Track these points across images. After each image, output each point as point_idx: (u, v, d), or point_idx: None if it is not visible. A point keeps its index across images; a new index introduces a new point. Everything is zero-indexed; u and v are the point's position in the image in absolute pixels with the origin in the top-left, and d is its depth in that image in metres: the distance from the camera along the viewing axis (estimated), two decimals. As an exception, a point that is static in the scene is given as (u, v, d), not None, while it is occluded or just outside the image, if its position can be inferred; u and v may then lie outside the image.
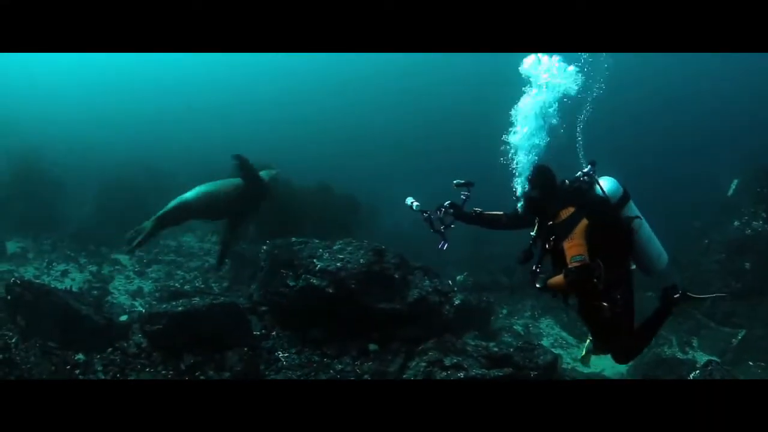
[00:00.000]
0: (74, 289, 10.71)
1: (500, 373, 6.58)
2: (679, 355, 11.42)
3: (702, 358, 11.14)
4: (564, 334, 12.65)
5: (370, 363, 7.04)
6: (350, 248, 7.46)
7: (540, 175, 4.69)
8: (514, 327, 12.12)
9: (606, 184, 4.58)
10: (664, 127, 35.70)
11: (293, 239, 7.96)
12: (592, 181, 4.58)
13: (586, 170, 4.66)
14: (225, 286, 11.71)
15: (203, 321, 6.94)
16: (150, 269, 13.38)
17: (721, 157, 22.17)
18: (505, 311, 13.22)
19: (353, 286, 7.09)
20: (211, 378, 6.55)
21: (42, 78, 40.93)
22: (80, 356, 6.69)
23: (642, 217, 4.60)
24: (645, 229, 4.61)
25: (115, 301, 10.95)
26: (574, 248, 4.24)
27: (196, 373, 6.64)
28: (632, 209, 4.62)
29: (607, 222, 4.46)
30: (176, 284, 12.20)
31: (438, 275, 8.38)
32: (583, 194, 4.56)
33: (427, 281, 7.90)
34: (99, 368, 6.58)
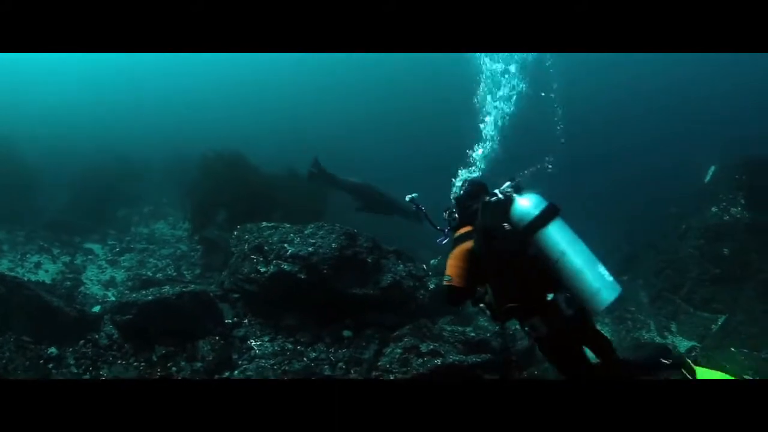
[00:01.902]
0: (47, 281, 10.57)
1: (478, 359, 6.41)
2: (658, 340, 11.39)
3: (681, 342, 11.11)
4: (540, 319, 12.62)
5: (344, 350, 6.87)
6: (322, 232, 7.25)
7: (466, 189, 4.87)
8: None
9: (520, 204, 4.39)
10: (642, 116, 35.88)
11: (264, 224, 7.76)
12: (508, 200, 4.47)
13: (506, 186, 4.62)
14: (197, 273, 11.51)
15: (173, 310, 6.78)
16: (122, 258, 13.18)
17: (697, 145, 22.30)
18: (479, 296, 13.16)
19: (325, 271, 6.89)
20: (183, 368, 6.38)
21: (11, 68, 40.40)
22: (53, 350, 6.56)
23: (566, 249, 4.21)
24: (570, 260, 4.22)
25: (87, 292, 10.72)
26: (449, 268, 4.46)
27: (168, 364, 6.47)
28: (551, 236, 4.28)
29: (495, 248, 4.38)
30: (148, 272, 12.00)
31: (412, 259, 8.21)
32: (480, 215, 4.52)
33: (401, 265, 7.72)
34: (71, 362, 6.46)
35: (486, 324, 8.17)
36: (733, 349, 10.59)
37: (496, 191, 4.62)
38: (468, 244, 4.49)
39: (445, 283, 4.49)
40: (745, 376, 8.98)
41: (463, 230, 4.58)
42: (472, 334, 6.99)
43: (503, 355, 5.84)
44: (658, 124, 35.84)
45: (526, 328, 4.38)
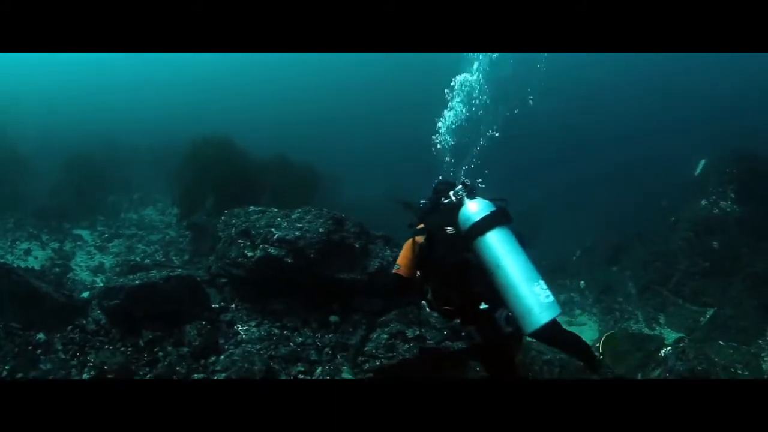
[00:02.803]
0: (36, 268, 10.55)
1: (464, 345, 6.39)
2: (646, 331, 11.41)
3: (669, 334, 11.13)
4: (528, 303, 12.64)
5: (331, 335, 6.85)
6: (309, 217, 7.20)
7: (435, 186, 4.88)
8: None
9: (467, 208, 4.36)
10: (633, 109, 35.94)
11: (251, 208, 7.70)
12: (459, 204, 4.45)
13: (459, 188, 4.59)
14: (185, 259, 11.48)
15: (160, 294, 6.74)
16: (111, 244, 13.15)
17: (688, 138, 22.37)
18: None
19: (312, 255, 6.85)
20: (169, 353, 6.34)
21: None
22: (41, 336, 6.54)
23: (503, 260, 4.13)
24: (505, 273, 4.12)
25: (76, 278, 10.78)
26: (400, 257, 4.55)
27: (155, 349, 6.44)
28: (489, 244, 4.21)
29: (435, 250, 4.43)
30: (137, 258, 11.99)
31: (399, 245, 8.16)
32: (430, 214, 4.64)
33: (389, 251, 7.66)
34: (59, 347, 6.44)
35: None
36: (721, 343, 10.61)
37: (451, 193, 4.62)
38: (420, 239, 4.51)
39: (393, 270, 4.56)
40: (735, 370, 9.03)
41: (421, 225, 4.60)
42: (458, 320, 6.95)
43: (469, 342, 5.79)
44: (648, 116, 35.94)
45: (463, 333, 4.46)
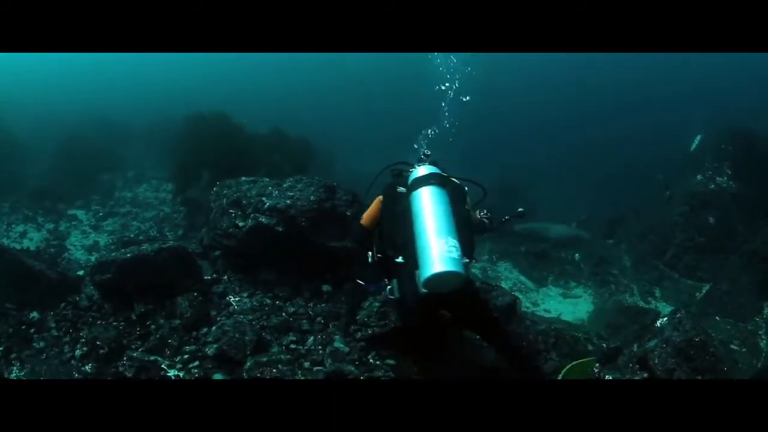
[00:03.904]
0: (32, 249, 10.61)
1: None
2: (642, 304, 11.42)
3: (665, 308, 11.15)
4: (522, 278, 12.70)
5: (323, 305, 6.81)
6: (300, 185, 7.14)
7: (418, 157, 5.36)
8: (472, 270, 12.05)
9: (416, 171, 4.81)
10: (631, 83, 35.82)
11: (243, 178, 7.64)
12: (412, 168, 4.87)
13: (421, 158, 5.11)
14: (180, 234, 11.47)
15: (152, 267, 6.69)
16: (106, 222, 13.19)
17: (683, 115, 22.30)
18: (462, 254, 13.18)
19: (303, 223, 6.80)
20: (161, 326, 6.36)
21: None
22: (35, 314, 6.54)
23: (424, 213, 4.42)
24: (419, 223, 4.38)
25: (72, 258, 10.79)
26: (367, 210, 5.25)
27: (147, 323, 6.44)
28: (418, 198, 4.54)
29: (385, 203, 5.01)
30: (131, 235, 11.98)
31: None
32: (397, 178, 5.04)
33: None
34: (52, 325, 6.43)
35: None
36: (717, 318, 10.61)
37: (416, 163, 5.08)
38: (378, 198, 5.15)
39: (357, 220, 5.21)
40: (732, 346, 9.02)
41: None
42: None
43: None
44: (645, 90, 35.86)
45: (388, 288, 4.71)
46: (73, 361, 5.94)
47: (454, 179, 5.10)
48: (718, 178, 13.53)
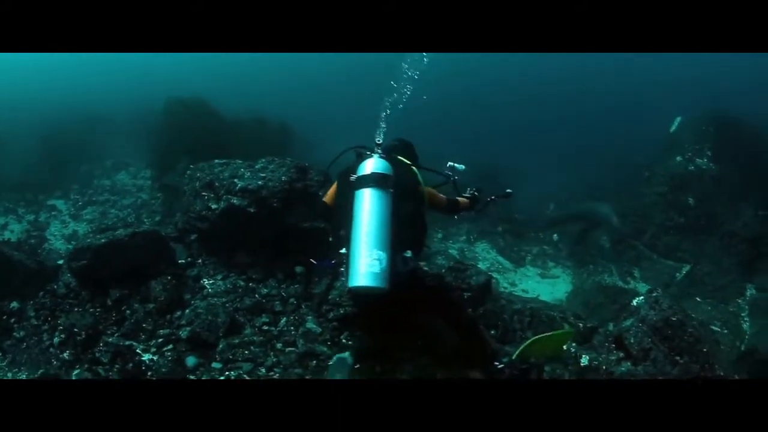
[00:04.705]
0: (13, 240, 10.64)
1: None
2: (621, 284, 11.44)
3: (644, 288, 11.19)
4: (500, 258, 12.72)
5: (296, 286, 6.80)
6: (272, 166, 7.09)
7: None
8: (449, 251, 12.06)
9: (365, 163, 4.77)
10: (611, 67, 35.84)
11: (215, 161, 7.58)
12: (367, 158, 4.83)
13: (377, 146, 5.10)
14: (157, 220, 11.41)
15: (126, 251, 6.67)
16: (84, 211, 13.11)
17: (663, 98, 22.35)
18: (440, 235, 13.21)
19: (275, 204, 6.76)
20: (136, 311, 6.38)
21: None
22: (15, 304, 6.58)
23: (360, 217, 4.49)
24: (356, 227, 4.47)
25: (51, 248, 10.75)
26: None
27: (122, 308, 6.45)
28: (358, 199, 4.58)
29: (339, 189, 5.11)
30: (110, 224, 11.93)
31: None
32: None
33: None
34: (32, 314, 6.45)
35: (444, 262, 8.12)
36: (698, 299, 10.68)
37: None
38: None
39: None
40: (713, 327, 9.07)
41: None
42: (426, 269, 6.95)
43: None
44: (625, 73, 35.92)
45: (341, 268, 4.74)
46: (51, 349, 5.98)
47: (413, 167, 5.16)
48: (698, 160, 13.59)
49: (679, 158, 13.70)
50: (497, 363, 5.07)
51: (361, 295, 4.60)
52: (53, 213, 13.05)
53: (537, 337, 5.45)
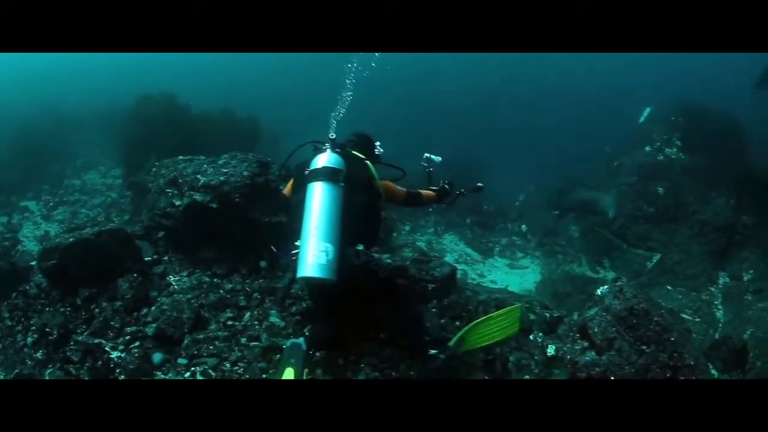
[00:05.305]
0: None
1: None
2: (590, 274, 11.51)
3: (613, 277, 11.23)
4: (468, 249, 12.78)
5: (260, 280, 6.83)
6: (234, 161, 7.09)
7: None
8: (417, 243, 12.11)
9: (317, 157, 4.90)
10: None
11: (179, 157, 7.57)
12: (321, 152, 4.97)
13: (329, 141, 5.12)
14: (126, 219, 11.41)
15: (93, 250, 6.66)
16: (56, 212, 13.15)
17: (633, 89, 22.48)
18: (407, 227, 13.26)
19: (237, 199, 6.76)
20: (104, 309, 6.37)
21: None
22: None
23: (311, 210, 4.63)
24: (307, 219, 4.61)
25: (25, 249, 10.88)
26: None
27: (91, 306, 6.45)
28: (310, 192, 4.72)
29: (295, 182, 5.43)
30: (80, 223, 11.88)
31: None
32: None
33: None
34: (6, 315, 6.47)
35: (411, 255, 8.17)
36: (669, 288, 10.74)
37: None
38: None
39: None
40: (684, 316, 9.13)
41: None
42: (389, 261, 6.99)
43: None
44: (595, 67, 36.08)
45: None
46: (26, 349, 6.01)
47: (367, 162, 5.25)
48: (667, 150, 13.73)
49: (648, 148, 13.83)
50: (433, 351, 5.15)
51: (312, 286, 4.85)
52: (26, 214, 13.13)
53: (479, 320, 5.51)
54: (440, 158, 5.83)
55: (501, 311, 5.65)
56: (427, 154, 5.82)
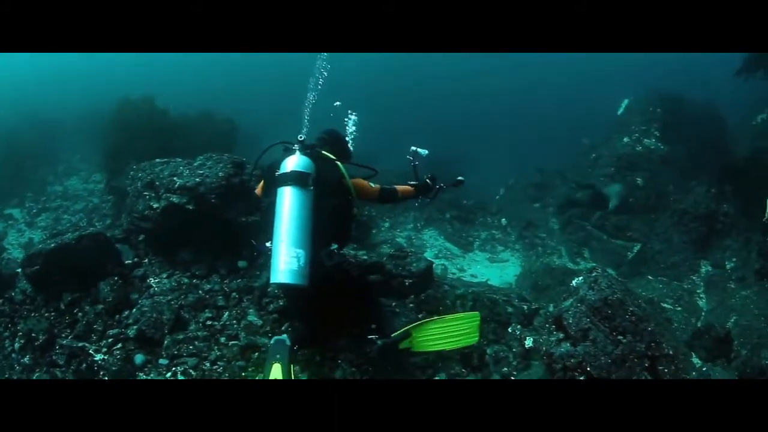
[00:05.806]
0: None
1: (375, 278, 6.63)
2: (570, 266, 11.56)
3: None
4: (448, 244, 12.79)
5: (239, 280, 6.89)
6: (210, 163, 7.16)
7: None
8: (397, 239, 12.14)
9: (287, 160, 4.89)
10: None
11: (156, 160, 7.62)
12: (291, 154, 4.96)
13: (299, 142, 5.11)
14: (108, 223, 11.43)
15: (75, 255, 6.73)
16: (39, 218, 13.15)
17: (613, 80, 22.54)
18: (387, 224, 13.28)
19: (213, 200, 6.83)
20: (87, 312, 6.43)
21: None
22: None
23: (282, 216, 4.65)
24: (278, 224, 4.63)
25: (10, 257, 10.82)
26: None
27: (75, 311, 6.51)
28: (280, 197, 4.73)
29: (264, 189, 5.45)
30: (62, 228, 11.94)
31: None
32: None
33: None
34: None
35: (389, 251, 8.23)
36: (650, 277, 10.82)
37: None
38: None
39: None
40: (664, 305, 9.20)
41: None
42: (366, 257, 7.07)
43: None
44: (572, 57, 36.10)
45: None
46: (14, 355, 6.08)
47: (337, 162, 5.22)
48: (645, 140, 13.80)
49: (626, 139, 13.90)
50: (371, 336, 5.28)
51: (287, 290, 4.93)
52: (10, 222, 13.17)
53: (431, 318, 5.49)
54: (427, 151, 5.84)
55: (458, 314, 5.58)
56: (413, 147, 5.81)
